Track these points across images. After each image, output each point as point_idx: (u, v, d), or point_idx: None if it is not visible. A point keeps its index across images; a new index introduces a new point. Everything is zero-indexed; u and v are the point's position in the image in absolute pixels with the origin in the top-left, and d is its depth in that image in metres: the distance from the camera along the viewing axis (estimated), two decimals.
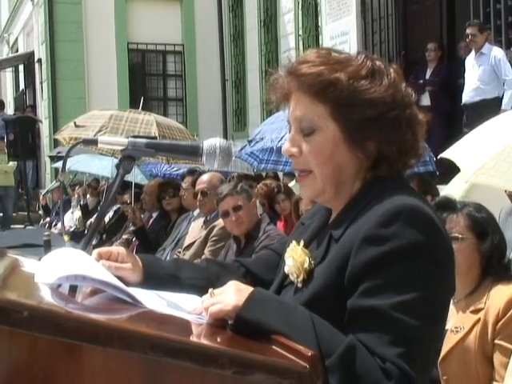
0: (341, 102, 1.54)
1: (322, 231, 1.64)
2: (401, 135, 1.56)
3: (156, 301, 1.55)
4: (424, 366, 1.41)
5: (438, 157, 4.91)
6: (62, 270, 1.43)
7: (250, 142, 7.88)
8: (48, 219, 13.42)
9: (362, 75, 1.55)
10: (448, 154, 4.32)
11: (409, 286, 1.40)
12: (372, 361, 1.35)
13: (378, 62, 1.59)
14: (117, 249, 1.71)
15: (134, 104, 13.26)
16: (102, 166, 10.68)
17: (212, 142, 1.73)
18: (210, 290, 1.44)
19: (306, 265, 1.56)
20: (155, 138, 1.74)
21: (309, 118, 1.57)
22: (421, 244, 1.43)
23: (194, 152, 1.74)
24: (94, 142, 1.78)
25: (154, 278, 1.70)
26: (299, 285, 1.56)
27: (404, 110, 1.57)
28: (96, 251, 1.67)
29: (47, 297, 1.39)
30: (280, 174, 9.97)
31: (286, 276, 1.63)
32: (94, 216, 10.09)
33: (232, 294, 1.42)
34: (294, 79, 1.58)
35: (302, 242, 1.61)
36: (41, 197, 15.06)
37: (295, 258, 1.58)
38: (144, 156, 1.72)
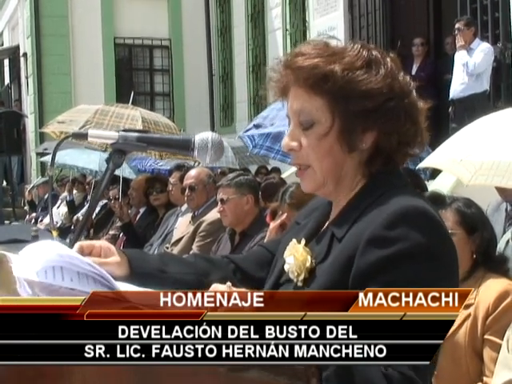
0: (337, 94, 1.52)
1: (322, 229, 1.62)
2: (400, 126, 1.54)
3: None
4: (428, 369, 1.37)
5: (417, 167, 4.87)
6: (40, 262, 1.39)
7: (256, 126, 7.69)
8: (34, 215, 13.33)
9: (358, 66, 1.53)
10: (429, 162, 4.26)
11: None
12: (374, 366, 1.29)
13: (374, 52, 1.56)
14: (100, 243, 1.65)
15: (120, 99, 13.21)
16: (90, 160, 10.58)
17: (204, 136, 1.71)
18: (229, 283, 1.37)
19: (308, 264, 1.53)
20: (147, 131, 1.72)
21: (307, 112, 1.54)
22: (427, 247, 1.42)
23: (185, 146, 1.72)
24: (84, 136, 1.75)
25: (140, 273, 1.64)
26: (299, 284, 1.54)
27: (402, 100, 1.55)
28: (77, 245, 1.60)
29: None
30: (269, 168, 10.02)
31: (281, 273, 1.61)
32: (81, 211, 10.04)
33: None
34: (290, 73, 1.56)
35: (303, 241, 1.59)
36: (26, 192, 14.96)
37: (297, 257, 1.55)
38: (135, 150, 1.70)
